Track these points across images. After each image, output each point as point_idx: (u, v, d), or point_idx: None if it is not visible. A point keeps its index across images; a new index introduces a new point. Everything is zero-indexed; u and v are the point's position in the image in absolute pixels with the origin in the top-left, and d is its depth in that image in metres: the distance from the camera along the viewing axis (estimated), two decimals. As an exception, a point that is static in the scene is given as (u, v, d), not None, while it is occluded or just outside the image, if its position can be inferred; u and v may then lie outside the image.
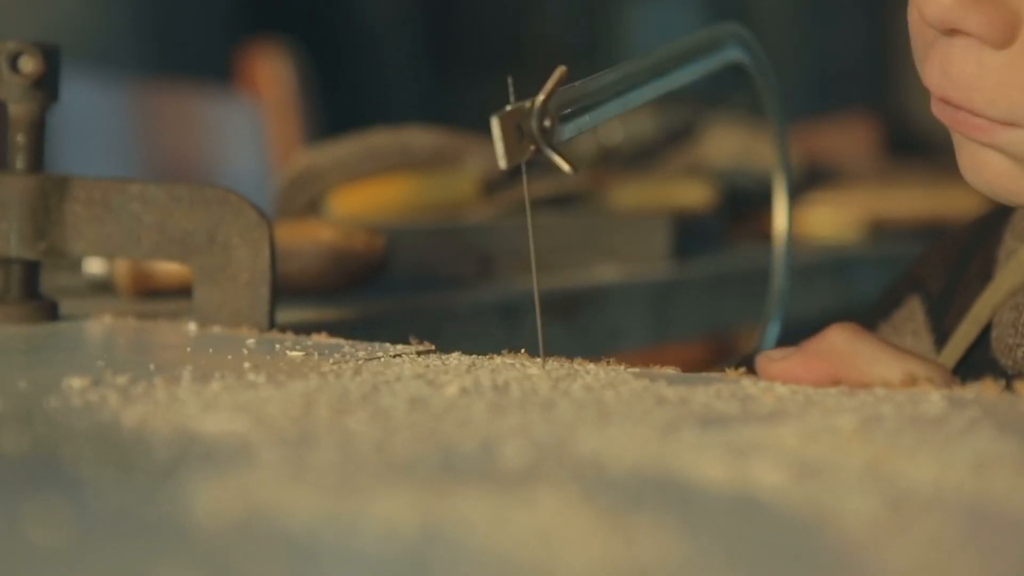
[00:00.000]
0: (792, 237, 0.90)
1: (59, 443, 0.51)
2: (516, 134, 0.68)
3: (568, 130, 0.70)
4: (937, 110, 0.69)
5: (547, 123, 0.68)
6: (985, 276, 0.78)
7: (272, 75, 2.25)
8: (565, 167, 0.69)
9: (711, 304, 1.29)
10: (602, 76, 0.73)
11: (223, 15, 2.66)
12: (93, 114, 2.02)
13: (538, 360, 0.67)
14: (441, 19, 3.46)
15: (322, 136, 1.72)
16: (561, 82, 0.69)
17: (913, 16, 0.69)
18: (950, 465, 0.48)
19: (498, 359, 0.68)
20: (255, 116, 2.23)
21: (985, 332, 0.76)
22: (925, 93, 0.71)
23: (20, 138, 0.83)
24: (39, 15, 2.17)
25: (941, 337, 0.79)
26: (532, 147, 0.68)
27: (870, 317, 0.87)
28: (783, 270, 0.89)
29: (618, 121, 1.43)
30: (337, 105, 2.60)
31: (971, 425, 0.54)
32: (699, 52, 0.79)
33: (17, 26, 1.99)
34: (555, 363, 0.67)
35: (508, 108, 0.67)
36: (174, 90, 2.20)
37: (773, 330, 0.90)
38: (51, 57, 0.83)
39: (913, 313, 0.83)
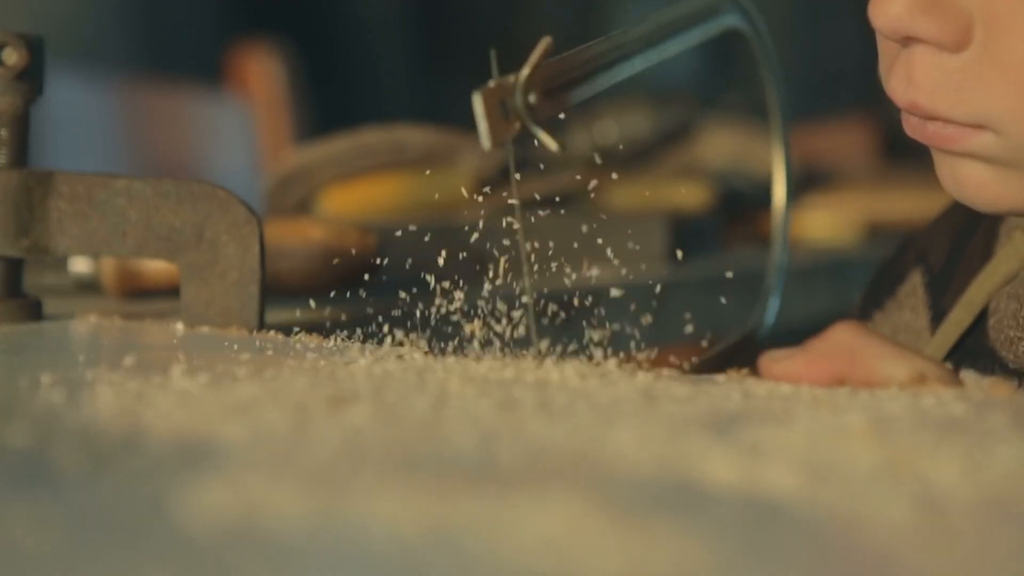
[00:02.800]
0: (789, 221, 0.87)
1: (45, 444, 0.49)
2: (500, 112, 0.65)
3: (556, 104, 0.67)
4: (909, 127, 0.69)
5: (532, 98, 0.66)
6: (986, 251, 0.76)
7: (263, 74, 2.23)
8: (552, 145, 0.66)
9: (708, 307, 1.27)
10: (591, 47, 0.70)
11: (213, 13, 2.64)
12: (80, 112, 2.00)
13: (537, 357, 0.65)
14: (433, 18, 3.44)
15: (313, 136, 1.70)
16: (547, 55, 0.66)
17: (880, 39, 0.69)
18: (975, 466, 0.46)
19: (497, 356, 0.66)
20: (245, 115, 2.21)
21: (980, 318, 0.74)
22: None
23: (3, 132, 0.81)
24: (24, 11, 2.15)
25: (937, 315, 0.78)
26: (517, 124, 0.65)
27: (873, 292, 0.85)
28: (781, 244, 0.87)
29: (613, 120, 1.41)
30: (328, 105, 2.58)
31: (988, 424, 0.52)
32: (695, 19, 0.76)
33: (2, 22, 1.97)
34: (555, 361, 0.65)
35: (491, 84, 0.65)
36: (163, 89, 2.18)
37: (773, 305, 0.88)
38: (35, 49, 0.81)
39: (915, 287, 0.81)
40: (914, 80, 0.67)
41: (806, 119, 2.10)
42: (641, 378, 0.61)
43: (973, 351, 0.74)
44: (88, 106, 2.02)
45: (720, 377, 0.63)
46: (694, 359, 0.79)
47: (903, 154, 1.96)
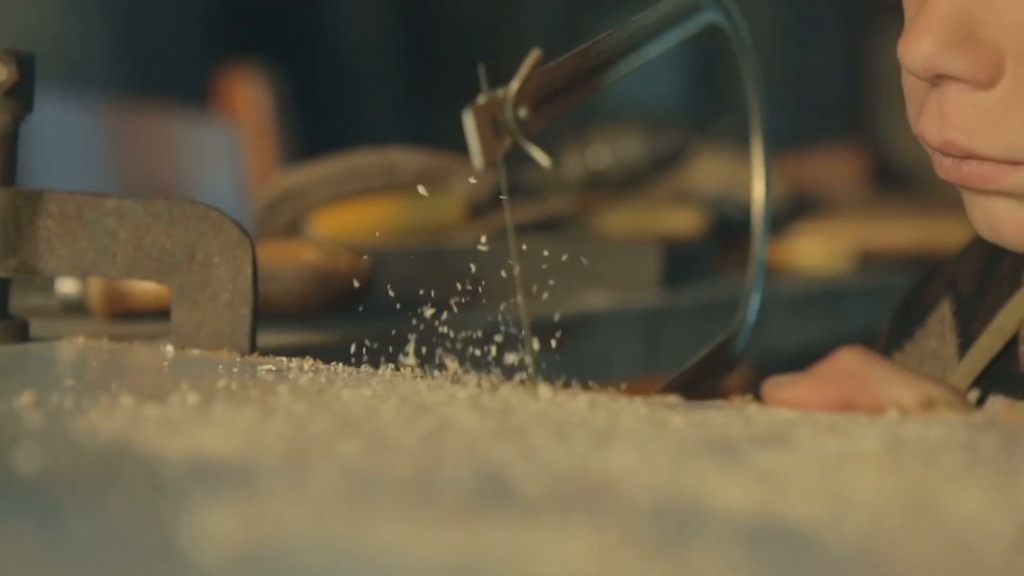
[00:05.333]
0: (769, 202, 0.85)
1: (46, 469, 0.48)
2: (492, 128, 0.63)
3: (545, 117, 0.65)
4: (943, 170, 0.67)
5: (523, 113, 0.64)
6: (1015, 278, 0.75)
7: (249, 97, 2.22)
8: (544, 160, 0.64)
9: (701, 333, 1.25)
10: (576, 54, 0.68)
11: (200, 36, 2.63)
12: (66, 134, 1.98)
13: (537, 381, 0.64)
14: (418, 41, 3.43)
15: (299, 159, 1.69)
16: (537, 66, 0.65)
17: (907, 81, 0.68)
18: (996, 496, 0.44)
19: (495, 380, 0.64)
20: (231, 138, 2.19)
21: (1009, 344, 0.73)
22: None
23: (-9, 150, 0.80)
24: (7, 31, 2.14)
25: (965, 343, 0.76)
26: (508, 140, 0.64)
27: (901, 320, 0.84)
28: (762, 236, 0.85)
29: (606, 145, 1.40)
30: (315, 128, 2.56)
31: (1003, 452, 0.50)
32: (675, 17, 0.74)
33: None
34: (551, 387, 0.63)
35: (480, 99, 0.63)
36: (149, 111, 2.16)
37: (755, 301, 0.86)
38: (25, 66, 0.80)
39: (943, 315, 0.80)
40: (947, 119, 0.66)
41: (794, 147, 2.10)
42: (640, 404, 0.60)
43: (1002, 377, 0.73)
44: (74, 128, 2.01)
45: (720, 402, 0.62)
46: (672, 376, 0.77)
47: (893, 182, 1.95)
